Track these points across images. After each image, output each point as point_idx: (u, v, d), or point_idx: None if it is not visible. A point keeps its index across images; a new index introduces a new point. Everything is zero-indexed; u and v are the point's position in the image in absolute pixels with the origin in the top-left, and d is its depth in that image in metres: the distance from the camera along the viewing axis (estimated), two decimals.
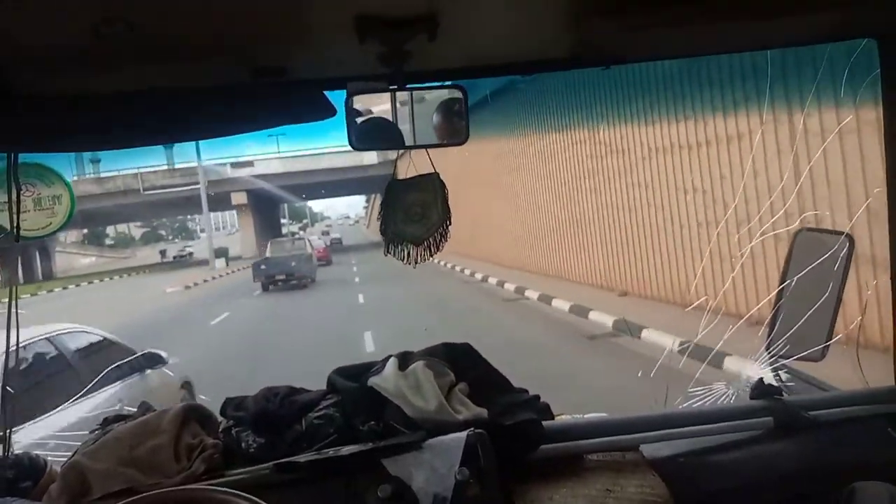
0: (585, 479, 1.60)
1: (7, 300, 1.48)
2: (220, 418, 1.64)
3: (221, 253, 44.68)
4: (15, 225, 1.44)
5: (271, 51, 1.46)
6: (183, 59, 1.41)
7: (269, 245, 27.05)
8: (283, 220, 69.71)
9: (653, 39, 1.50)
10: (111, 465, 1.45)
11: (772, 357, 1.97)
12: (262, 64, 1.49)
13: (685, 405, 1.94)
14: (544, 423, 1.66)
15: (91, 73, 1.42)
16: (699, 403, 1.95)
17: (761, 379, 1.86)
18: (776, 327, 1.98)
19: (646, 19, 1.38)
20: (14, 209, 1.43)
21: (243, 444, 1.54)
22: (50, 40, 1.29)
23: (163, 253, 66.25)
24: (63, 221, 1.55)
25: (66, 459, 1.54)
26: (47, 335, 4.74)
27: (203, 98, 1.53)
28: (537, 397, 1.73)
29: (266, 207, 50.72)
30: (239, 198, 43.45)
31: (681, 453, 1.69)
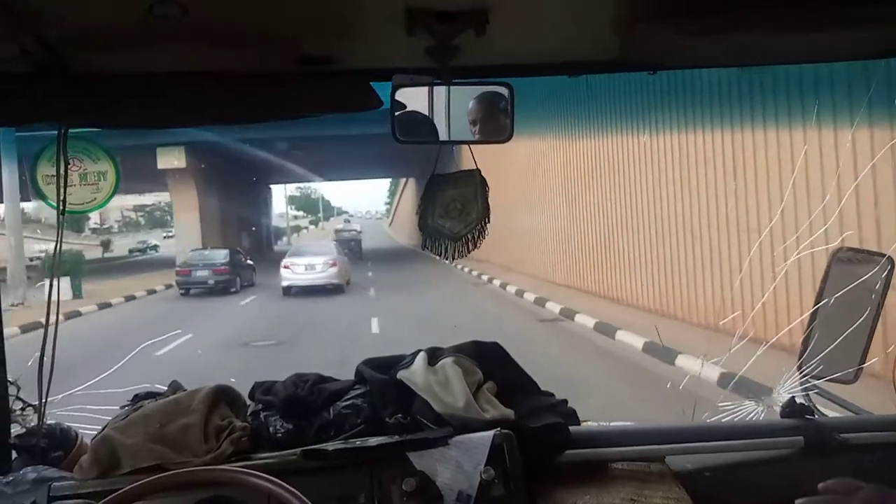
0: (610, 487, 1.59)
1: None
2: (248, 401, 1.65)
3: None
4: (62, 198, 1.47)
5: (319, 40, 1.47)
6: (232, 43, 1.43)
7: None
8: (272, 210, 50.45)
9: (701, 47, 1.48)
10: (141, 440, 1.47)
11: (803, 377, 1.93)
12: (309, 52, 1.50)
13: (713, 419, 1.92)
14: (570, 428, 1.65)
15: (142, 53, 1.44)
16: (728, 418, 1.92)
17: (793, 398, 1.83)
18: (810, 347, 1.95)
19: (695, 26, 1.36)
20: (62, 183, 1.46)
21: (271, 429, 1.55)
22: (105, 20, 1.31)
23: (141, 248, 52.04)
24: (107, 197, 1.57)
25: (96, 432, 1.57)
26: None
27: (249, 83, 1.54)
28: (564, 402, 1.72)
29: (232, 183, 30.65)
30: (170, 158, 23.54)
31: (707, 467, 1.67)
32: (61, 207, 1.47)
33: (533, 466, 1.53)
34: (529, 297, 16.46)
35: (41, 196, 1.55)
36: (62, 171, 1.45)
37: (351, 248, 26.11)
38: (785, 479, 1.67)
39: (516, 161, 20.29)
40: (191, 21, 1.30)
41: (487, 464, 1.44)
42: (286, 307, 16.90)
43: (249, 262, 22.53)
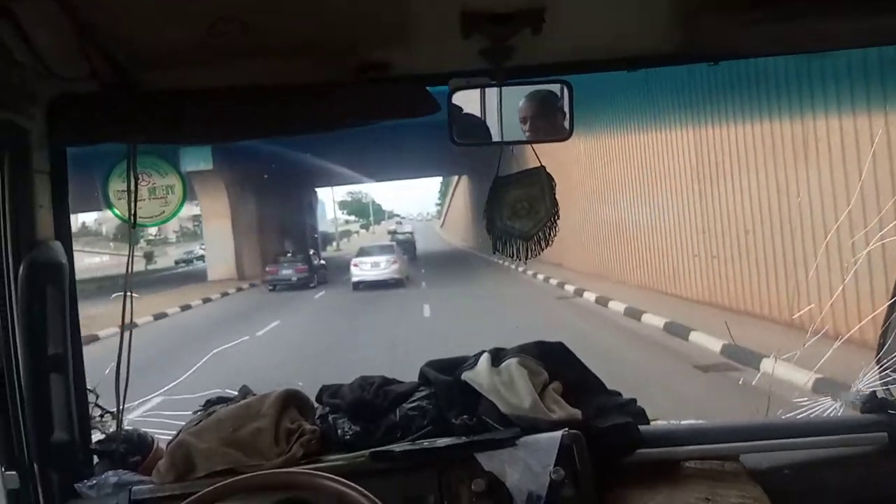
0: (683, 486, 1.55)
1: None
2: (315, 405, 1.68)
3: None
4: (132, 213, 1.52)
5: (376, 47, 1.49)
6: (291, 55, 1.45)
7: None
8: (319, 215, 46.07)
9: (762, 35, 1.44)
10: (215, 445, 1.51)
11: (883, 370, 1.85)
12: (366, 60, 1.51)
13: (788, 415, 1.85)
14: (640, 427, 1.62)
15: (204, 70, 1.48)
16: (804, 415, 1.85)
17: (874, 392, 1.75)
18: (889, 340, 1.86)
19: (756, 14, 1.32)
20: (132, 198, 1.51)
21: (339, 431, 1.57)
22: (170, 38, 1.36)
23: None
24: (175, 210, 1.63)
25: (171, 437, 1.62)
26: None
27: (308, 94, 1.56)
28: (633, 401, 1.69)
29: (271, 187, 26.74)
30: (195, 159, 17.05)
31: (784, 465, 1.61)
32: (132, 221, 1.53)
33: (602, 467, 1.50)
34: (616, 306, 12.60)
35: (113, 211, 1.61)
36: (132, 187, 1.50)
37: (406, 248, 27.46)
38: (868, 478, 1.60)
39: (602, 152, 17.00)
40: (250, 36, 1.34)
41: (556, 464, 1.43)
42: (352, 297, 19.43)
43: (323, 262, 26.82)
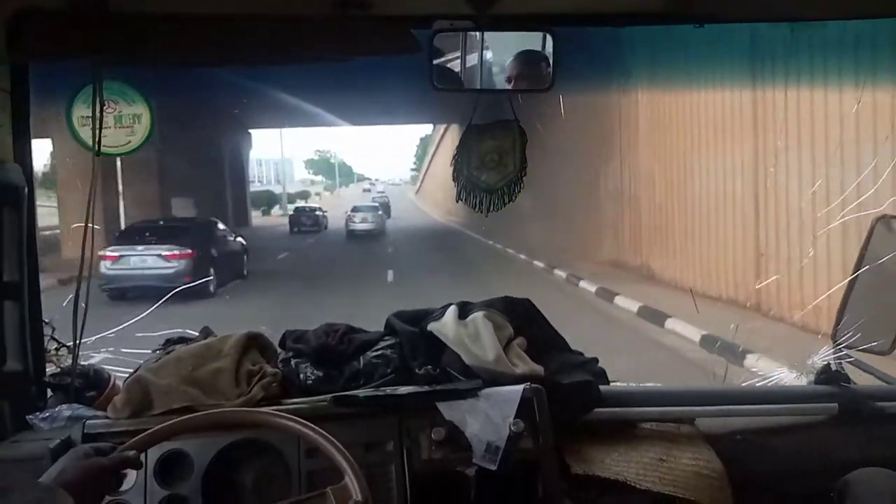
0: (638, 446, 1.58)
1: None
2: (278, 349, 1.66)
3: None
4: (97, 140, 1.47)
5: None
6: None
7: None
8: (248, 168, 37.11)
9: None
10: (173, 382, 1.49)
11: (838, 345, 1.90)
12: None
13: (745, 383, 1.89)
14: (600, 387, 1.64)
15: None
16: (761, 383, 1.89)
17: (828, 364, 1.79)
18: (846, 315, 1.90)
19: None
20: (97, 125, 1.45)
21: (301, 376, 1.56)
22: None
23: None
24: (142, 140, 1.57)
25: (128, 374, 1.59)
26: None
27: (287, 27, 1.51)
28: (595, 360, 1.70)
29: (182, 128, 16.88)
30: None
31: (738, 430, 1.65)
32: (97, 149, 1.47)
33: (561, 423, 1.52)
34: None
35: (76, 137, 1.55)
36: (98, 113, 1.44)
37: (383, 208, 33.89)
38: (817, 446, 1.65)
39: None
40: None
41: (516, 417, 1.44)
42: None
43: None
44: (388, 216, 33.37)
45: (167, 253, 12.57)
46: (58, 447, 1.38)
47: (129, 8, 1.43)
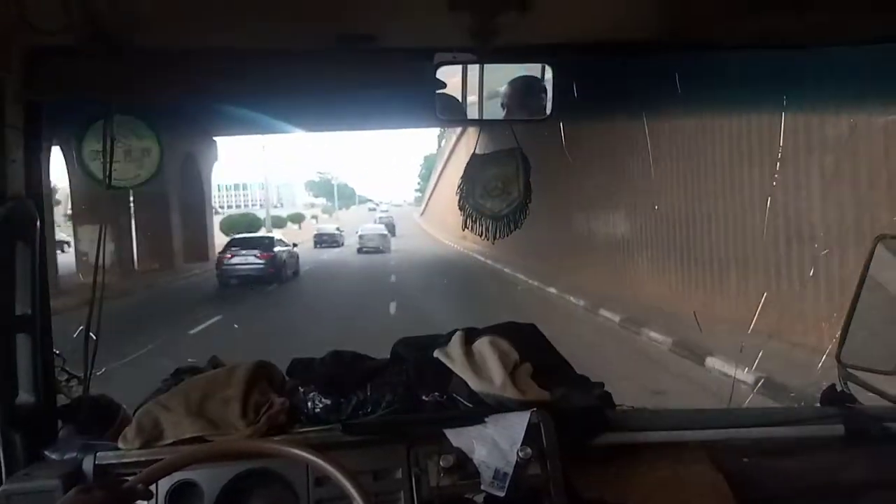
0: (645, 469, 1.58)
1: None
2: (286, 378, 1.67)
3: None
4: (108, 174, 1.50)
5: (360, 17, 1.47)
6: (274, 20, 1.43)
7: None
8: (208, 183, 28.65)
9: (761, 26, 1.44)
10: (182, 413, 1.50)
11: (842, 365, 1.90)
12: (349, 30, 1.50)
13: (750, 405, 1.89)
14: (607, 411, 1.65)
15: (186, 30, 1.46)
16: (766, 404, 1.90)
17: (833, 385, 1.80)
18: (848, 335, 1.91)
19: (756, 2, 1.32)
20: (108, 159, 1.48)
21: (309, 405, 1.57)
22: None
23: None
24: (151, 174, 1.60)
25: (139, 404, 1.60)
26: None
27: (289, 60, 1.55)
28: (601, 385, 1.71)
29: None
30: None
31: (744, 452, 1.65)
32: (108, 182, 1.50)
33: (568, 448, 1.53)
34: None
35: (86, 172, 1.58)
36: (108, 147, 1.47)
37: (387, 227, 37.47)
38: (824, 467, 1.64)
39: None
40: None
41: (524, 443, 1.45)
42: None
43: (342, 231, 34.37)
44: (393, 234, 36.78)
45: (259, 254, 19.09)
46: (69, 478, 1.40)
47: (137, 46, 1.47)
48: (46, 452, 1.52)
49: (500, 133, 1.57)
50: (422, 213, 62.32)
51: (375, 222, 42.04)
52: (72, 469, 1.44)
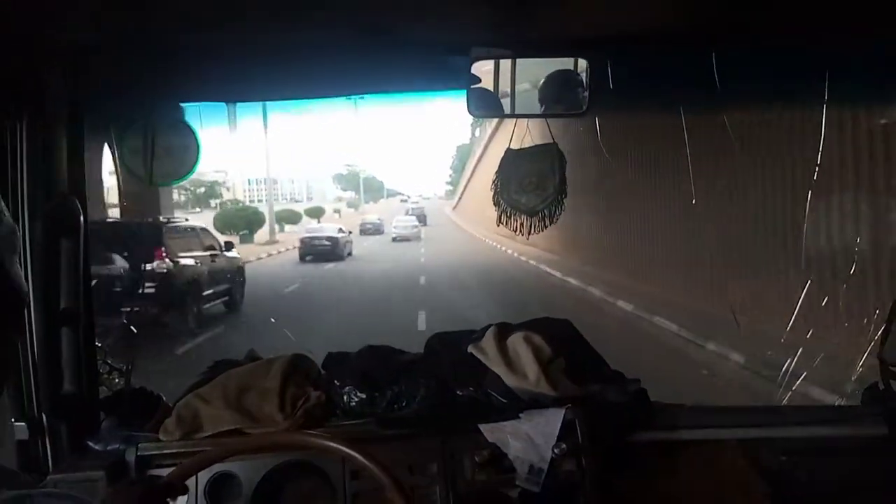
0: (681, 466, 1.57)
1: None
2: (322, 371, 1.69)
3: None
4: (149, 171, 1.53)
5: (394, 12, 1.47)
6: (306, 15, 1.44)
7: None
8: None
9: (807, 14, 1.40)
10: (221, 406, 1.53)
11: (884, 364, 1.86)
12: (381, 24, 1.50)
13: (790, 402, 1.86)
14: (642, 407, 1.63)
15: (223, 28, 1.47)
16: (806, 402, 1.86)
17: (875, 383, 1.76)
18: (892, 334, 1.87)
19: None
20: (149, 156, 1.51)
21: (345, 398, 1.59)
22: None
23: None
24: (190, 170, 1.63)
25: (177, 397, 1.63)
26: None
27: (318, 55, 1.55)
28: (637, 381, 1.70)
29: None
30: None
31: (783, 452, 1.62)
32: (149, 179, 1.53)
33: (603, 444, 1.52)
34: None
35: (129, 169, 1.61)
36: (149, 145, 1.50)
37: (419, 217, 39.95)
38: (866, 467, 1.61)
39: None
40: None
41: (559, 439, 1.44)
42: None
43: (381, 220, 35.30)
44: (425, 224, 39.84)
45: (332, 234, 22.01)
46: (112, 469, 1.43)
47: (174, 43, 1.49)
48: (90, 443, 1.56)
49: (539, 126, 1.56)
50: (454, 208, 58.36)
51: (407, 213, 43.98)
52: (115, 460, 1.47)
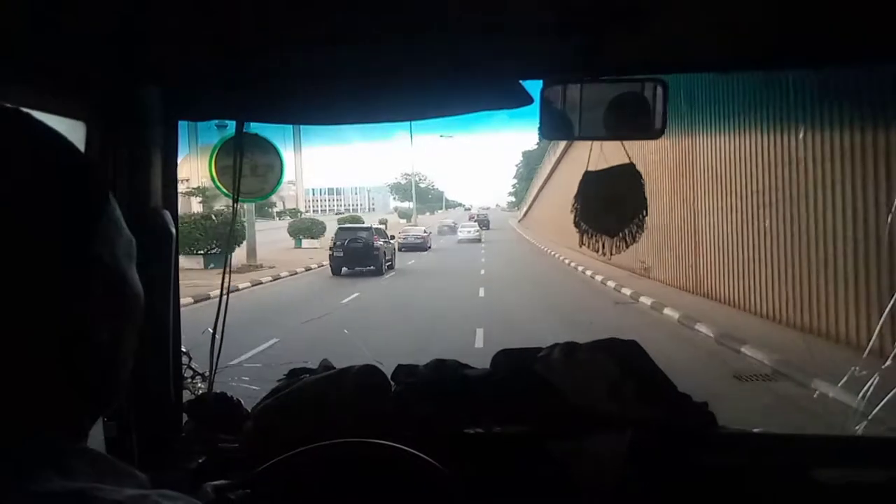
0: (749, 494, 1.54)
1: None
2: (391, 383, 1.74)
3: None
4: (237, 187, 1.62)
5: (470, 40, 1.52)
6: (385, 44, 1.50)
7: None
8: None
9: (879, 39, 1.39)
10: (298, 414, 1.59)
11: None
12: (460, 53, 1.55)
13: (866, 430, 1.81)
14: (710, 432, 1.62)
15: (310, 52, 1.55)
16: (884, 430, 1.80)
17: None
18: None
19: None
20: (237, 174, 1.61)
21: (413, 410, 1.63)
22: (281, 20, 1.43)
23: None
24: (274, 188, 1.72)
25: (257, 403, 1.71)
26: None
27: (401, 82, 1.61)
28: (705, 405, 1.68)
29: None
30: None
31: (859, 485, 1.57)
32: (236, 195, 1.62)
33: (670, 467, 1.51)
34: None
35: (216, 185, 1.71)
36: (238, 163, 1.59)
37: (482, 223, 50.57)
38: None
39: None
40: (358, 20, 1.39)
41: (626, 460, 1.45)
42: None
43: (455, 223, 47.77)
44: (487, 228, 50.04)
45: (421, 233, 33.70)
46: (194, 472, 1.51)
47: (264, 66, 1.58)
48: (173, 443, 1.65)
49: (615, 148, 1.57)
50: (520, 220, 58.11)
51: (471, 219, 56.70)
52: (196, 464, 1.55)
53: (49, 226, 0.53)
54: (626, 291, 14.25)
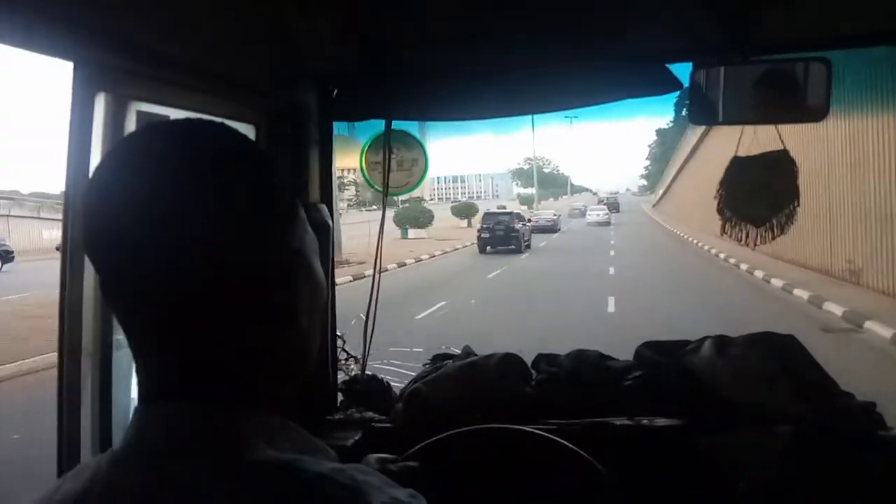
0: None
1: None
2: (532, 372, 1.77)
3: None
4: (386, 182, 1.71)
5: (613, 21, 1.49)
6: (531, 34, 1.51)
7: None
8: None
9: None
10: (445, 398, 1.66)
11: None
12: (601, 36, 1.53)
13: None
14: (877, 433, 1.51)
15: (455, 50, 1.59)
16: None
17: None
18: None
19: None
20: (386, 169, 1.69)
21: (555, 399, 1.65)
22: (428, 22, 1.48)
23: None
24: (419, 181, 1.80)
25: (404, 384, 1.80)
26: None
27: (550, 72, 1.61)
28: (872, 404, 1.57)
29: None
30: None
31: None
32: (385, 189, 1.71)
33: (830, 468, 1.43)
34: None
35: (366, 179, 1.81)
36: (387, 159, 1.68)
37: (612, 206, 54.94)
38: None
39: None
40: (500, 17, 1.42)
41: (783, 457, 1.39)
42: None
43: (585, 206, 53.63)
44: (617, 211, 53.71)
45: (551, 216, 40.57)
46: (353, 446, 1.62)
47: (412, 66, 1.64)
48: (331, 420, 1.78)
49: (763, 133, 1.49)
50: (654, 205, 55.45)
51: (600, 202, 62.12)
52: (352, 440, 1.66)
53: (265, 224, 0.62)
54: (834, 308, 10.20)
